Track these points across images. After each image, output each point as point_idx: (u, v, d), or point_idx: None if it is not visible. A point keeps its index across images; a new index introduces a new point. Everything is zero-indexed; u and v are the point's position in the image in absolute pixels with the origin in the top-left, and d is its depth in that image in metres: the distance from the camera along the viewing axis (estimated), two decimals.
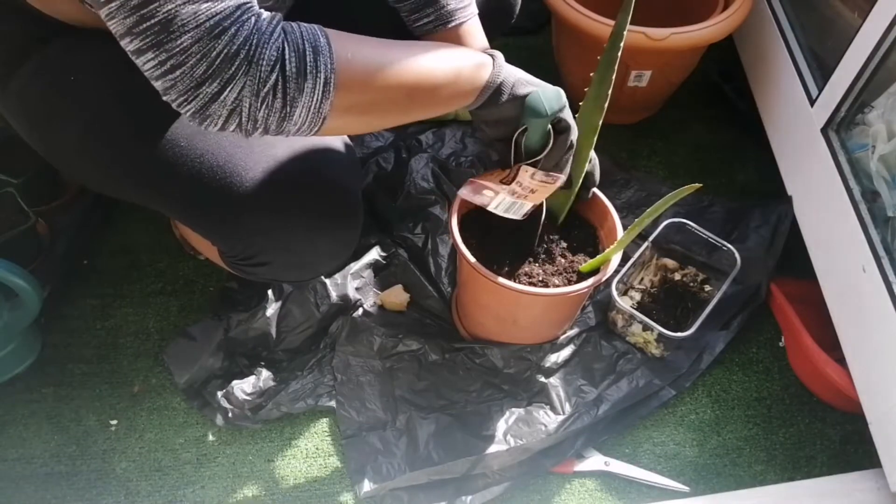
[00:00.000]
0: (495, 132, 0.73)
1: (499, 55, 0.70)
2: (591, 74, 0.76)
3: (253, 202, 0.71)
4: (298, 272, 0.85)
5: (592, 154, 0.82)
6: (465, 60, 0.66)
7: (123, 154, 0.73)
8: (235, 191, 0.71)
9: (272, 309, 0.97)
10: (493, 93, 0.68)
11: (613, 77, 0.74)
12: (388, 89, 0.59)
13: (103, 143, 0.73)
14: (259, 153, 0.72)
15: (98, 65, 0.71)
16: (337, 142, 0.79)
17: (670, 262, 1.07)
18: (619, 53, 0.73)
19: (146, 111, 0.68)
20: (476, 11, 0.81)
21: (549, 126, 0.71)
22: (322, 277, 1.02)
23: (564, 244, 0.89)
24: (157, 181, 0.73)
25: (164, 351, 0.99)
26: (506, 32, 1.03)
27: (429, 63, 0.62)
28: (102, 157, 0.74)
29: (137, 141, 0.72)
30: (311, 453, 0.93)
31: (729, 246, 1.01)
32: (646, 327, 0.96)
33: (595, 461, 0.92)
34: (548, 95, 0.69)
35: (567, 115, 0.71)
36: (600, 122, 0.78)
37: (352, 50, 0.56)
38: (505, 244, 0.88)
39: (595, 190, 0.90)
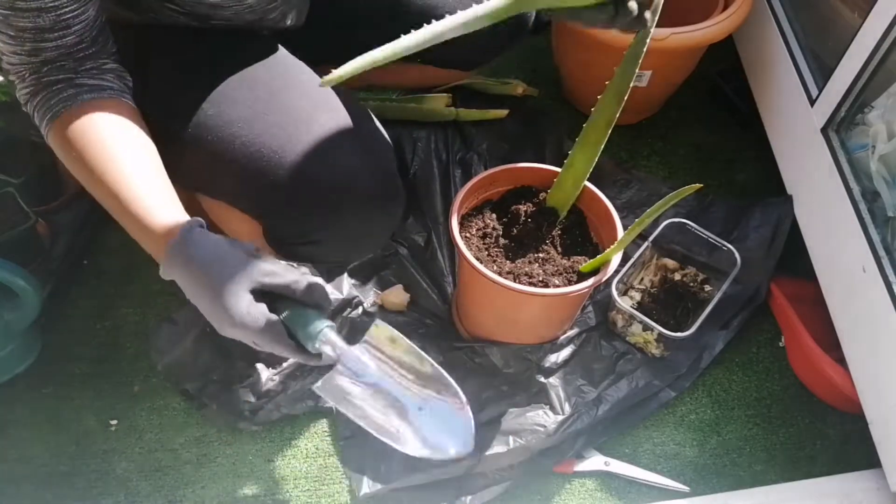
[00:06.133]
0: None
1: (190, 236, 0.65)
2: (615, 69, 0.76)
3: (309, 177, 0.74)
4: (344, 253, 0.87)
5: None
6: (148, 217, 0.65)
7: (177, 134, 0.76)
8: (285, 172, 0.73)
9: None
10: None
11: (637, 70, 0.74)
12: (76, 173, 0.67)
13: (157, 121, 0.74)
14: (308, 139, 0.75)
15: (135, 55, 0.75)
16: (375, 127, 0.82)
17: (670, 262, 1.07)
18: (645, 49, 0.72)
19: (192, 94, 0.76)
20: None
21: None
22: (321, 277, 1.02)
23: (565, 244, 0.89)
24: (212, 163, 0.76)
25: (146, 333, 1.00)
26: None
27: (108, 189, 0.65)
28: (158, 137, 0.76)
29: (193, 124, 0.75)
30: (310, 453, 0.93)
31: (729, 246, 1.01)
32: (646, 327, 0.96)
33: (595, 461, 0.93)
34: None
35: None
36: (616, 116, 0.78)
37: (76, 134, 0.65)
38: (505, 244, 0.88)
39: (595, 190, 0.90)
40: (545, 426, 0.91)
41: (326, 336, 0.66)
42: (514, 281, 0.83)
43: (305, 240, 0.78)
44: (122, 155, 0.65)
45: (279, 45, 0.85)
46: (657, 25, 0.72)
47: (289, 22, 0.85)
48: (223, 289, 0.62)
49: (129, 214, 0.64)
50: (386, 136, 0.83)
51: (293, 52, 0.86)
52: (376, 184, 0.77)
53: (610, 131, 0.80)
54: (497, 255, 0.86)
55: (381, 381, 0.70)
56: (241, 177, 0.75)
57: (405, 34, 0.57)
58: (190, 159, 0.76)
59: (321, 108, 0.78)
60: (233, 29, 0.81)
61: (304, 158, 0.74)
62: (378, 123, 0.84)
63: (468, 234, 0.88)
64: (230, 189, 0.79)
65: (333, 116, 0.77)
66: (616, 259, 0.83)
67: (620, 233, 0.86)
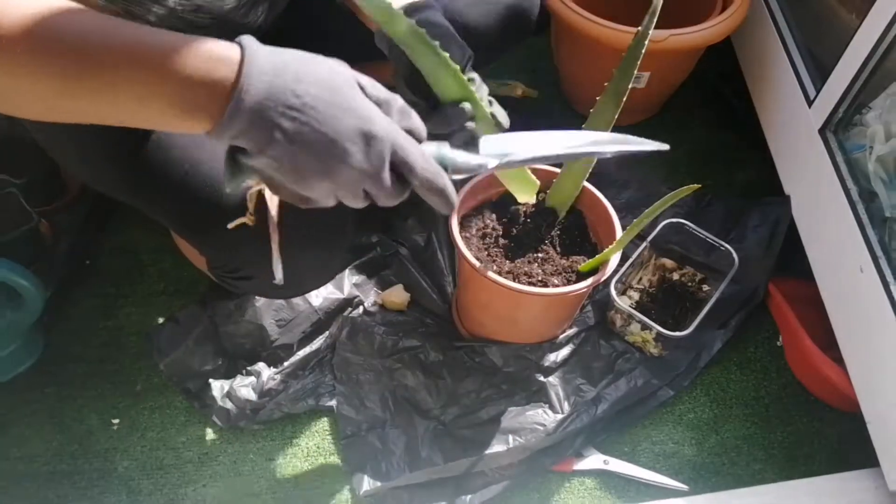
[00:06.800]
0: None
1: (250, 47, 0.44)
2: (614, 70, 0.76)
3: (238, 212, 0.69)
4: (281, 289, 0.83)
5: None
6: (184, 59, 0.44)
7: (117, 158, 0.73)
8: (225, 202, 0.70)
9: (261, 300, 0.98)
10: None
11: (635, 72, 0.74)
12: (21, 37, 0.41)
13: (98, 145, 0.73)
14: None
15: None
16: None
17: (669, 262, 1.08)
18: (644, 50, 0.73)
19: None
20: None
21: None
22: None
23: (564, 244, 0.90)
24: (149, 186, 0.73)
25: (148, 335, 1.01)
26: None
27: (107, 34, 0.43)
28: (98, 160, 0.74)
29: (132, 146, 0.72)
30: (311, 452, 0.94)
31: (727, 246, 1.02)
32: (644, 327, 0.97)
33: (594, 460, 0.93)
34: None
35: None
36: (615, 117, 0.78)
37: None
38: (505, 244, 0.88)
39: (594, 190, 0.90)
40: (544, 425, 0.92)
41: (448, 159, 0.52)
42: (514, 281, 0.83)
43: (237, 274, 0.76)
44: (122, 22, 0.45)
45: None
46: (656, 27, 0.73)
47: (260, 16, 0.80)
48: (341, 85, 0.46)
49: (160, 63, 0.43)
50: None
51: None
52: (311, 225, 0.72)
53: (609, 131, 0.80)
54: (497, 255, 0.87)
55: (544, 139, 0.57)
56: (175, 204, 0.73)
57: None
58: (136, 177, 0.73)
59: None
60: (207, 29, 0.79)
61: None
62: None
63: (468, 234, 0.88)
64: (169, 216, 0.76)
65: None
66: (615, 259, 0.84)
67: (619, 233, 0.86)
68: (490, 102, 0.65)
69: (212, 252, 0.78)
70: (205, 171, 0.71)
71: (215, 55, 0.44)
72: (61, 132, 0.74)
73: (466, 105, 0.61)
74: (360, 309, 1.02)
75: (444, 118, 0.62)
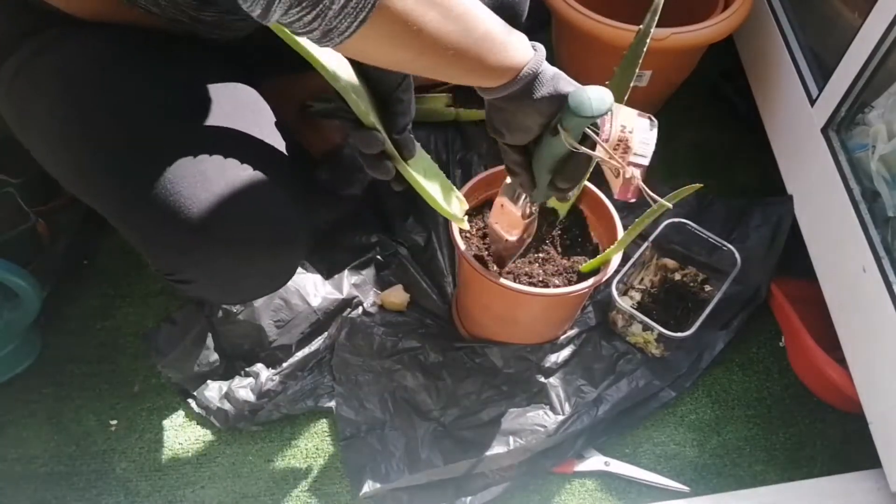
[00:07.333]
0: (515, 137, 0.67)
1: (540, 47, 0.64)
2: (615, 68, 0.76)
3: (178, 222, 0.68)
4: (223, 296, 0.83)
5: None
6: (515, 32, 0.61)
7: (64, 150, 0.74)
8: (163, 208, 0.68)
9: (260, 300, 0.97)
10: (529, 83, 0.62)
11: (636, 70, 0.74)
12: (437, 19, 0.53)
13: (55, 136, 0.74)
14: (197, 177, 0.69)
15: (69, 66, 0.73)
16: (281, 174, 0.75)
17: (670, 262, 1.07)
18: (646, 49, 0.72)
19: (97, 116, 0.71)
20: None
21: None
22: (321, 277, 1.02)
23: (565, 244, 0.89)
24: (89, 183, 0.73)
25: (146, 335, 1.00)
26: None
27: (481, 10, 0.58)
28: (51, 149, 0.75)
29: (79, 142, 0.72)
30: (310, 453, 0.93)
31: (729, 246, 1.01)
32: (646, 327, 0.96)
33: (595, 461, 0.92)
34: (595, 94, 0.61)
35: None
36: None
37: None
38: None
39: (595, 190, 0.90)
40: (545, 426, 0.91)
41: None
42: (514, 281, 0.83)
43: (175, 277, 0.74)
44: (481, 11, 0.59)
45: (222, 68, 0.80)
46: (658, 25, 0.72)
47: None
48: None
49: (498, 41, 0.60)
50: (295, 185, 0.76)
51: (264, 62, 0.82)
52: (251, 230, 0.71)
53: None
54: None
55: None
56: (111, 201, 0.72)
57: None
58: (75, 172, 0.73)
59: (212, 138, 0.71)
60: (198, 36, 0.78)
61: (169, 193, 0.68)
62: (282, 155, 0.76)
63: (468, 234, 0.88)
64: (108, 212, 0.74)
65: (221, 145, 0.71)
66: (616, 259, 0.83)
67: (620, 233, 0.86)
68: (405, 128, 0.71)
69: (144, 251, 0.75)
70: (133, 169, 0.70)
71: (527, 44, 0.63)
72: (36, 138, 0.76)
73: (379, 134, 0.68)
74: (360, 309, 1.02)
75: (363, 137, 0.68)
